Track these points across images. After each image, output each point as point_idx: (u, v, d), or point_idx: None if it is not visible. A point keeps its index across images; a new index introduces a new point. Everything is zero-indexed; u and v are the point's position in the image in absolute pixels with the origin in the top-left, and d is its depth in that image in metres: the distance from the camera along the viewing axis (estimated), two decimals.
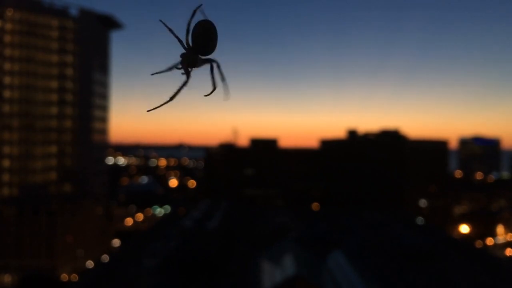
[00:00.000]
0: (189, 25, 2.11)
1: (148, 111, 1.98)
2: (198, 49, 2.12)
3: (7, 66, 76.47)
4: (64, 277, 65.87)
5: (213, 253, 35.03)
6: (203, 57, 2.15)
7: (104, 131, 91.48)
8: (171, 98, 1.98)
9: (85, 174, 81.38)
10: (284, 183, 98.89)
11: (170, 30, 2.11)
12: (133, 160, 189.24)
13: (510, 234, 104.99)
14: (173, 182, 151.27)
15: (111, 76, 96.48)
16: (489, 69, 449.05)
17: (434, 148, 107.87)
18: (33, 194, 70.75)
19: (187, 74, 2.07)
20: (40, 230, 66.93)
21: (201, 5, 2.13)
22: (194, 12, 2.11)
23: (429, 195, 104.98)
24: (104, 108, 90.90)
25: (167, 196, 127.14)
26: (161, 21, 2.10)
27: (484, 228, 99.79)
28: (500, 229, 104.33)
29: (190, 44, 2.14)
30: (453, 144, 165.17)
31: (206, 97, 2.11)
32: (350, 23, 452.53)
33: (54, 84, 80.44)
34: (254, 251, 35.77)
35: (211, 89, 2.08)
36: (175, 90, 2.00)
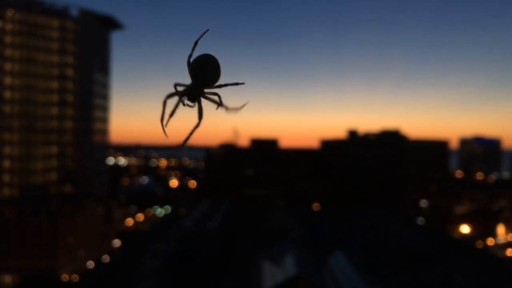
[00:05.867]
0: (190, 56, 2.10)
1: (179, 151, 2.23)
2: (198, 82, 2.12)
3: (7, 66, 76.51)
4: (65, 277, 65.83)
5: (214, 253, 35.03)
6: (207, 90, 2.15)
7: (104, 132, 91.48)
8: (185, 142, 2.12)
9: (85, 175, 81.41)
10: (284, 183, 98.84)
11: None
12: (134, 161, 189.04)
13: (511, 234, 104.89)
14: (174, 183, 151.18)
15: (112, 76, 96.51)
16: (490, 69, 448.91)
17: (435, 148, 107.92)
18: (33, 195, 70.71)
19: (200, 112, 2.11)
20: (41, 231, 66.86)
21: (207, 30, 2.14)
22: (197, 41, 2.11)
23: (430, 195, 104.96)
24: (105, 108, 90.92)
25: (168, 196, 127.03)
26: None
27: (484, 228, 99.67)
28: (500, 229, 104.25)
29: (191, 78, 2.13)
30: (454, 144, 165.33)
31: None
32: (350, 23, 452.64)
33: (54, 84, 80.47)
34: (255, 251, 35.78)
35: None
36: (188, 132, 2.12)
